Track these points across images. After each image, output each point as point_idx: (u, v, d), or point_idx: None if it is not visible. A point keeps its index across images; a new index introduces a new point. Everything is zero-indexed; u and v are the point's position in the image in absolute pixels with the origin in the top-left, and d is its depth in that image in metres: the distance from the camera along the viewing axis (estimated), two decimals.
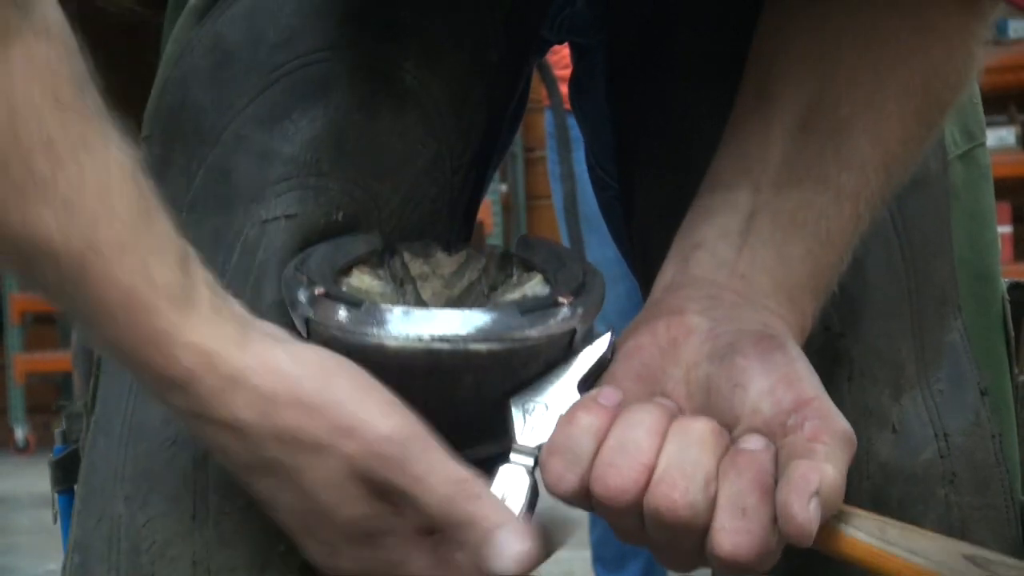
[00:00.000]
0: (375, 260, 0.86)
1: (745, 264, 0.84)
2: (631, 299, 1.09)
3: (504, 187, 5.99)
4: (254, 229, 0.87)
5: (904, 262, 0.93)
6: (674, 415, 0.77)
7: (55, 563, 0.97)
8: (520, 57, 1.01)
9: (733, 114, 0.89)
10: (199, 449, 0.84)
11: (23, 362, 6.07)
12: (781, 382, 0.77)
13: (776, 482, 0.74)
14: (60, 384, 6.26)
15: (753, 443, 0.75)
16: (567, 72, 1.16)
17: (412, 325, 0.76)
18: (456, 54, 0.93)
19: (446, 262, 0.87)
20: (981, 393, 0.93)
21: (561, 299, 0.79)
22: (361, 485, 0.75)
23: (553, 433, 0.78)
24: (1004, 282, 0.99)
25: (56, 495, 1.02)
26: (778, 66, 0.88)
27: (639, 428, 0.75)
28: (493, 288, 0.86)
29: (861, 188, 0.86)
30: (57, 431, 1.04)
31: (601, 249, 1.28)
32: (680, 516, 0.74)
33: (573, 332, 0.80)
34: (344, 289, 0.81)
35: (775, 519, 0.73)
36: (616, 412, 0.77)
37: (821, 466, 0.72)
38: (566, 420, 0.77)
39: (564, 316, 0.79)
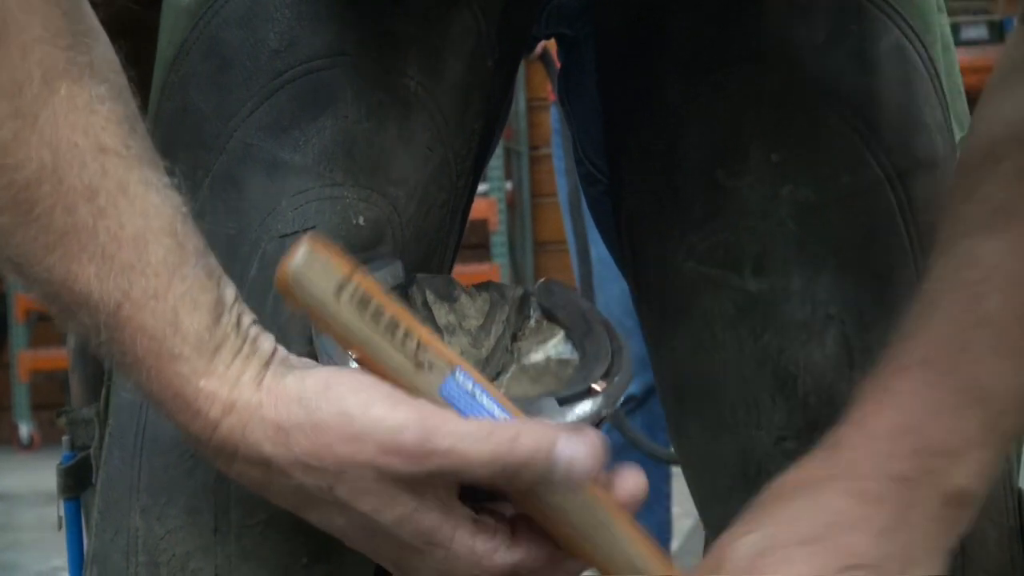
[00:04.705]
0: (396, 295, 0.84)
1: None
2: None
3: (509, 185, 5.98)
4: (272, 243, 0.87)
5: (912, 247, 0.94)
6: None
7: (59, 560, 0.97)
8: (512, 60, 1.01)
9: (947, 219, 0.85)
10: None
11: (28, 359, 6.06)
12: None
13: None
14: (65, 381, 6.24)
15: None
16: None
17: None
18: (454, 61, 0.94)
19: (471, 310, 0.86)
20: None
21: (595, 387, 0.80)
22: (393, 484, 0.73)
23: None
24: None
25: (62, 502, 1.03)
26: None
27: None
28: (515, 338, 0.86)
29: None
30: (64, 438, 1.04)
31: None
32: None
33: (603, 419, 0.80)
34: None
35: None
36: None
37: None
38: None
39: (599, 406, 0.79)
